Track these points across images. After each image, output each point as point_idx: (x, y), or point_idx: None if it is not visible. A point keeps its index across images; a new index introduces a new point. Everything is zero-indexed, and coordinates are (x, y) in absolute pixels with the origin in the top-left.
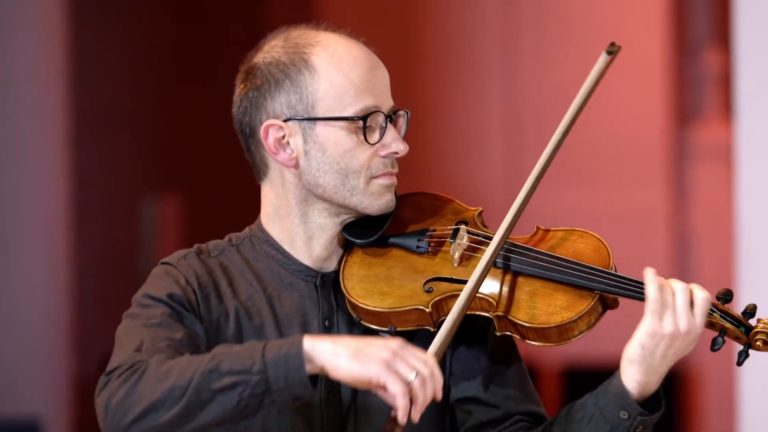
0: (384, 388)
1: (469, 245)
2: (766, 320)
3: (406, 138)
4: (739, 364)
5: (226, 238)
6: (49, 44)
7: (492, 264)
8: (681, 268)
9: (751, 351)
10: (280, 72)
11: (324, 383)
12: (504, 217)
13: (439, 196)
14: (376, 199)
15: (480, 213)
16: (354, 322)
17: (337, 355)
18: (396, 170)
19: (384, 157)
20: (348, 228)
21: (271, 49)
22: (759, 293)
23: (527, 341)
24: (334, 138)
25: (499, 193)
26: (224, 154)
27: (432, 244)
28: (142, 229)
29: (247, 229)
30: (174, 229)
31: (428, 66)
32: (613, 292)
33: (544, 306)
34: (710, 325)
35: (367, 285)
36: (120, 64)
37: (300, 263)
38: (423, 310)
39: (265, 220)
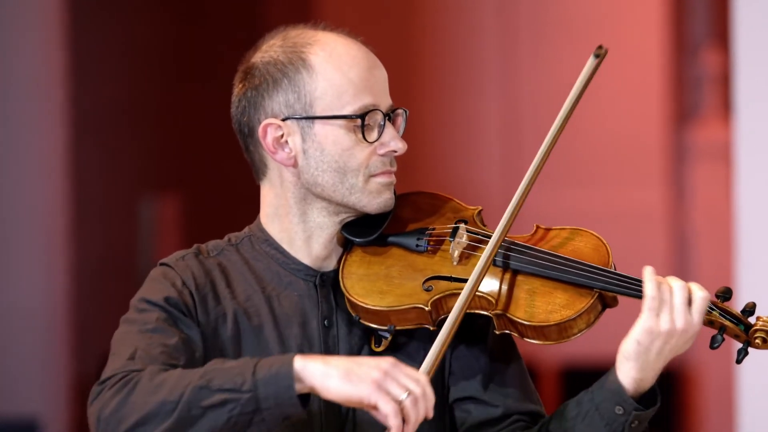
0: (375, 407)
1: (468, 244)
2: (765, 318)
3: (405, 137)
4: (739, 362)
5: (226, 238)
6: (49, 44)
7: (491, 262)
8: (680, 268)
9: (750, 349)
10: (279, 71)
11: None
12: (503, 215)
13: (438, 195)
14: (375, 198)
15: (479, 212)
16: (353, 321)
17: (327, 376)
18: (395, 169)
19: (382, 155)
20: (347, 227)
21: (270, 49)
22: (758, 292)
23: (526, 340)
24: (333, 137)
25: (497, 192)
26: (223, 154)
27: (431, 243)
28: (141, 229)
29: (246, 229)
30: (173, 230)
31: (427, 65)
32: (612, 290)
33: (543, 304)
34: (709, 323)
35: (366, 284)
36: (119, 64)
37: (299, 262)
38: (422, 308)
39: (264, 219)
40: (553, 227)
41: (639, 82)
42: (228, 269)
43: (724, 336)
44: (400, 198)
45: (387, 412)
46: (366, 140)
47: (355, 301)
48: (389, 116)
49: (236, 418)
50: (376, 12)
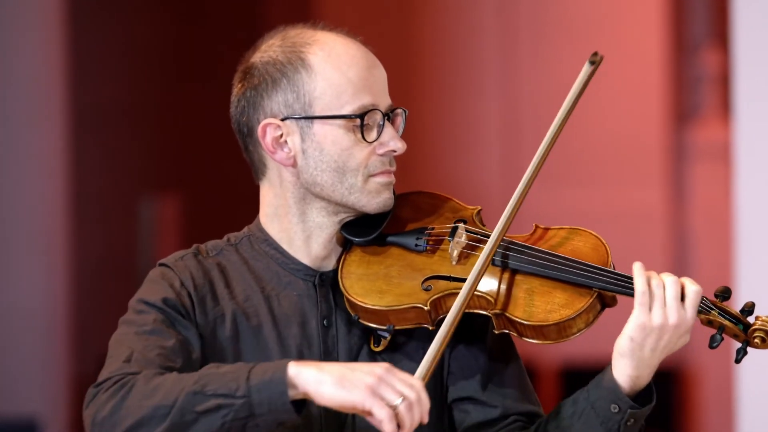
0: (370, 413)
1: (467, 243)
2: (764, 317)
3: (404, 137)
4: (738, 361)
5: (225, 238)
6: (48, 44)
7: (490, 262)
8: (679, 267)
9: (749, 348)
10: (278, 71)
11: None
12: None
13: (437, 194)
14: (374, 198)
15: (478, 212)
16: (353, 321)
17: (321, 382)
18: (394, 168)
19: (382, 155)
20: (346, 227)
21: (269, 49)
22: (757, 292)
23: (525, 339)
24: (332, 136)
25: (497, 192)
26: (223, 154)
27: (430, 243)
28: (141, 229)
29: (245, 229)
30: (173, 229)
31: (426, 65)
32: (611, 289)
33: (542, 304)
34: (708, 322)
35: (365, 283)
36: (119, 64)
37: (299, 262)
38: (421, 308)
39: (263, 219)
40: (552, 227)
41: (639, 82)
42: (227, 269)
43: (723, 335)
44: (399, 198)
45: (381, 418)
46: (365, 140)
47: (354, 300)
48: (388, 116)
49: (230, 424)
50: (376, 12)
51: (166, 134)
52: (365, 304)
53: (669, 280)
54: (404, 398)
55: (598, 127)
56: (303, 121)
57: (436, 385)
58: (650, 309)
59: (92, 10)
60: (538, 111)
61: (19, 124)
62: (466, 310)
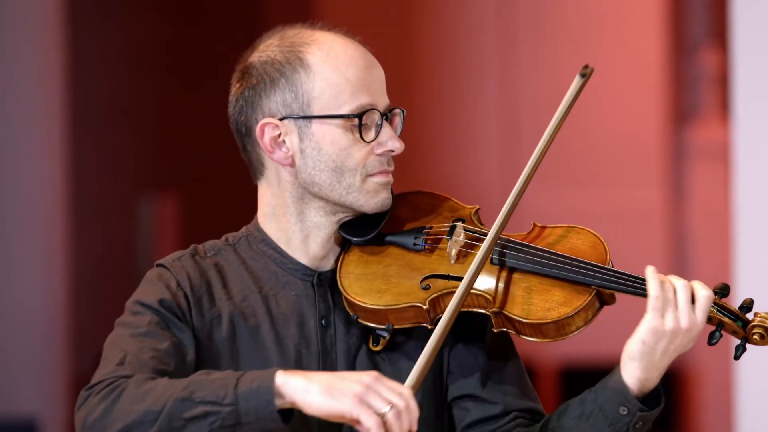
0: (358, 422)
1: (465, 242)
2: (763, 314)
3: (403, 136)
4: (736, 358)
5: (223, 238)
6: (47, 44)
7: (488, 260)
8: (679, 267)
9: (748, 345)
10: (276, 71)
11: None
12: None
13: (435, 194)
14: (372, 197)
15: (477, 211)
16: (351, 321)
17: (308, 392)
18: (392, 168)
19: (380, 155)
20: (345, 226)
21: (267, 48)
22: (756, 291)
23: (524, 337)
24: (330, 136)
25: (496, 191)
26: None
27: (429, 242)
28: (140, 229)
29: (244, 229)
30: (171, 229)
31: (425, 65)
32: (610, 287)
33: (540, 302)
34: (707, 319)
35: (364, 283)
36: (118, 64)
37: (297, 262)
38: (420, 307)
39: (261, 219)
40: (551, 225)
41: (638, 82)
42: (225, 269)
43: (722, 332)
44: (397, 197)
45: (370, 426)
46: (363, 140)
47: (352, 300)
48: (387, 116)
49: (217, 431)
50: (376, 12)
51: (165, 134)
52: (364, 303)
53: (680, 284)
54: (392, 406)
55: (598, 126)
56: (301, 120)
57: (435, 383)
58: (663, 314)
59: (91, 10)
60: (537, 111)
61: (19, 124)
62: (465, 309)
